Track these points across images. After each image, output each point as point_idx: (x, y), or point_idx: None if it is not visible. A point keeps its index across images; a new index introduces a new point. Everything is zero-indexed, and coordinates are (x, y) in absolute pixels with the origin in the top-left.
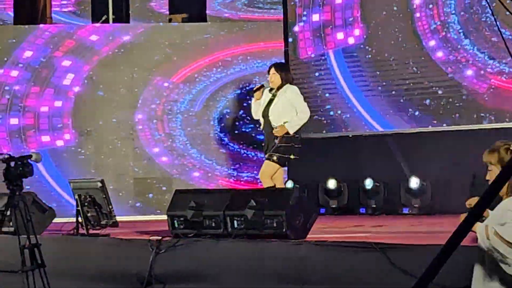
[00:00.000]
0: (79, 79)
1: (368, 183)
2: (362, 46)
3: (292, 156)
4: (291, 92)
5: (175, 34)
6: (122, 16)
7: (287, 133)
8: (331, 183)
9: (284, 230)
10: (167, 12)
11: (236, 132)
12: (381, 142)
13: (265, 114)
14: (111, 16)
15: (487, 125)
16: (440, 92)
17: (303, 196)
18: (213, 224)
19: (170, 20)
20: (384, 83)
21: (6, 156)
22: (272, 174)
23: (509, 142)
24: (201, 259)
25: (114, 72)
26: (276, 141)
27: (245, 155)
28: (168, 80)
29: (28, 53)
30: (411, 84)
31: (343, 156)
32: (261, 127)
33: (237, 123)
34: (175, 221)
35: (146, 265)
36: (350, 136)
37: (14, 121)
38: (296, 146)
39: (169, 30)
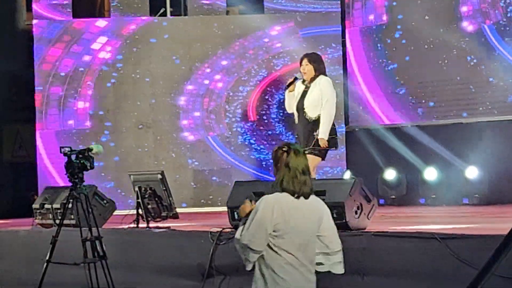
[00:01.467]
0: None
1: (428, 173)
2: None
3: (334, 148)
4: (324, 83)
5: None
6: (180, 10)
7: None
8: (390, 174)
9: (344, 220)
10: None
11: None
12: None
13: (300, 106)
14: (168, 9)
15: None
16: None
17: (362, 187)
18: None
19: (227, 13)
20: None
21: (67, 150)
22: (314, 167)
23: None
24: None
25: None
26: (315, 133)
27: None
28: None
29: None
30: None
31: (401, 147)
32: (296, 120)
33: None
34: (235, 213)
35: (206, 257)
36: (410, 125)
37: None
38: (336, 137)
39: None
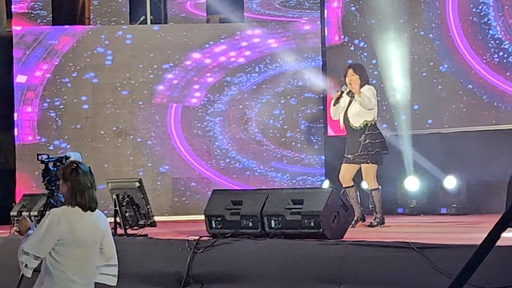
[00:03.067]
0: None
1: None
2: None
3: (380, 151)
4: (366, 92)
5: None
6: (160, 18)
7: (372, 129)
8: (410, 182)
9: (321, 230)
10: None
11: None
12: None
13: (345, 117)
14: (149, 17)
15: None
16: None
17: (339, 196)
18: (251, 224)
19: (208, 21)
20: None
21: (44, 157)
22: (351, 175)
23: None
24: (239, 259)
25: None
26: (361, 139)
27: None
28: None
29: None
30: None
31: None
32: (345, 130)
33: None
34: (213, 221)
35: (184, 265)
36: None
37: None
38: (381, 140)
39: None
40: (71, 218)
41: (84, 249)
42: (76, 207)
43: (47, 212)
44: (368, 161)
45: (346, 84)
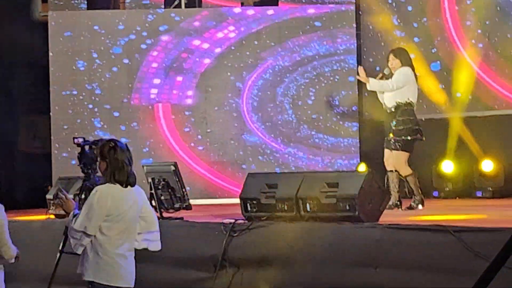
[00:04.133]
0: None
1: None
2: None
3: (409, 138)
4: (395, 74)
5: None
6: (194, 1)
7: (401, 114)
8: (445, 166)
9: (356, 213)
10: None
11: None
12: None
13: (383, 97)
14: (183, 1)
15: None
16: None
17: (375, 180)
18: (286, 207)
19: (242, 4)
20: None
21: (80, 140)
22: (404, 162)
23: None
24: (274, 243)
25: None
26: (392, 124)
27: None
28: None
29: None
30: None
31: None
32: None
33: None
34: (248, 205)
35: (220, 248)
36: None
37: None
38: (414, 127)
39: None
40: (115, 194)
41: (127, 223)
42: (117, 184)
43: (93, 190)
44: (396, 148)
45: (389, 68)
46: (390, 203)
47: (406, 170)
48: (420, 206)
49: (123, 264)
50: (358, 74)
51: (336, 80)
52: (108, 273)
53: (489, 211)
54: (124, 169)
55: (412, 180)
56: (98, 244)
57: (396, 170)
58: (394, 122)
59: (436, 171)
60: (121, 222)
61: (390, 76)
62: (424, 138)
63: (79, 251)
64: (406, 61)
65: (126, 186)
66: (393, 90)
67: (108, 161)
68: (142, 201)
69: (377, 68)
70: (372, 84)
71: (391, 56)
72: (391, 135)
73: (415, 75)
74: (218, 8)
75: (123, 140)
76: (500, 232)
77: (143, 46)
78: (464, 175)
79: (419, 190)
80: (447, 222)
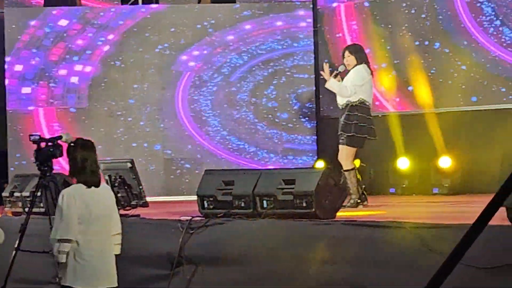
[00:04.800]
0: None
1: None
2: None
3: (359, 135)
4: (352, 71)
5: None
6: None
7: (350, 110)
8: (402, 163)
9: (313, 210)
10: None
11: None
12: None
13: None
14: None
15: None
16: None
17: (332, 176)
18: (243, 204)
19: (199, 1)
20: None
21: (37, 137)
22: (347, 157)
23: None
24: (231, 239)
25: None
26: (341, 119)
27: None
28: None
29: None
30: None
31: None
32: None
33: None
34: (205, 202)
35: (176, 246)
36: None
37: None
38: (361, 124)
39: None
40: (82, 195)
41: (100, 223)
42: (81, 184)
43: (60, 194)
44: (342, 143)
45: (344, 65)
46: (352, 201)
47: (346, 164)
48: (355, 208)
49: (101, 266)
50: (323, 69)
51: (293, 77)
52: (87, 278)
53: (444, 208)
54: (86, 168)
55: (348, 176)
56: (74, 248)
57: (353, 168)
58: (342, 118)
59: (392, 167)
60: (94, 223)
61: (346, 73)
62: (376, 137)
63: (63, 259)
64: (361, 58)
65: (90, 186)
66: (351, 95)
67: (70, 160)
68: (111, 200)
69: (331, 68)
70: (332, 84)
71: (347, 53)
72: (339, 130)
73: (371, 71)
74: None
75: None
76: (455, 228)
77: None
78: (421, 171)
79: (357, 188)
80: (402, 219)
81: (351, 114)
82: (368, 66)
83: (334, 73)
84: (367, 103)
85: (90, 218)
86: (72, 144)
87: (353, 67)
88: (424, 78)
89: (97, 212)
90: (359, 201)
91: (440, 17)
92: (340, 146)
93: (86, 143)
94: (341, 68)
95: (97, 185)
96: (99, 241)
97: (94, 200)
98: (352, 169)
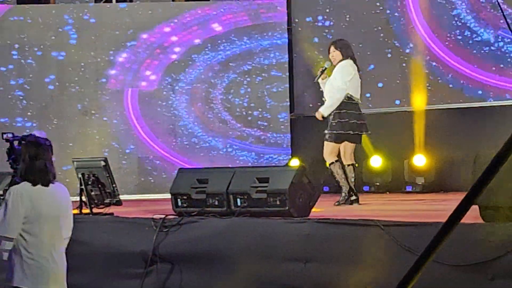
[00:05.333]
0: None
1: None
2: None
3: (343, 132)
4: (337, 67)
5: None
6: None
7: (339, 108)
8: (374, 161)
9: (287, 208)
10: None
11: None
12: None
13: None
14: None
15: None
16: None
17: (306, 174)
18: (217, 203)
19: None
20: None
21: (10, 136)
22: (331, 153)
23: None
24: (205, 238)
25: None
26: (330, 117)
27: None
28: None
29: None
30: None
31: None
32: None
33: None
34: (179, 200)
35: (150, 244)
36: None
37: None
38: (351, 121)
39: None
40: (31, 193)
41: (50, 223)
42: (29, 183)
43: (7, 191)
44: (328, 139)
45: (330, 60)
46: (346, 197)
47: (328, 159)
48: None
49: (50, 267)
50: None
51: (267, 75)
52: (36, 278)
53: (417, 206)
54: (35, 166)
55: (339, 171)
56: (23, 248)
57: (337, 160)
58: (331, 116)
59: (366, 166)
60: (43, 222)
61: (331, 68)
62: (369, 132)
63: (5, 257)
64: (347, 53)
65: (35, 185)
66: (341, 98)
67: (22, 159)
68: (66, 201)
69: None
70: (325, 110)
71: (332, 48)
72: (327, 129)
73: (357, 66)
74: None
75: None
76: (428, 226)
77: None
78: (393, 169)
79: (348, 183)
80: (376, 217)
81: (340, 113)
82: (355, 61)
83: (320, 70)
84: (355, 98)
85: (39, 218)
86: (23, 142)
87: (338, 62)
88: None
89: (46, 212)
90: (353, 198)
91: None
92: (325, 143)
93: (37, 140)
94: (327, 65)
95: (46, 184)
96: (49, 241)
97: (43, 199)
98: (351, 164)
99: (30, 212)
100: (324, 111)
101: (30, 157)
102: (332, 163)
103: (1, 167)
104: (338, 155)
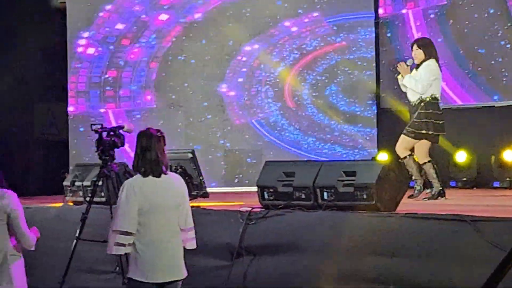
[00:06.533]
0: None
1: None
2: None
3: (424, 132)
4: (423, 66)
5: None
6: None
7: (425, 108)
8: (461, 156)
9: (374, 202)
10: None
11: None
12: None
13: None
14: None
15: None
16: None
17: (393, 169)
18: (303, 196)
19: None
20: None
21: (98, 127)
22: (406, 147)
23: None
24: (291, 231)
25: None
26: (414, 115)
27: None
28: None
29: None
30: None
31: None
32: None
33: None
34: (265, 193)
35: (236, 236)
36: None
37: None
38: (435, 121)
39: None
40: (143, 186)
41: (163, 215)
42: (140, 175)
43: (120, 186)
44: (407, 135)
45: (412, 58)
46: (433, 192)
47: (403, 154)
48: (442, 199)
49: (164, 258)
50: (397, 66)
51: (355, 71)
52: (148, 269)
53: (505, 201)
54: (146, 157)
55: (424, 169)
56: (136, 239)
57: (410, 155)
58: (415, 115)
59: (452, 161)
60: (156, 214)
61: (415, 67)
62: (445, 132)
63: (122, 252)
64: (430, 53)
65: (146, 176)
66: (424, 92)
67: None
68: (180, 191)
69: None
70: (408, 80)
71: (415, 47)
72: (409, 126)
73: (440, 66)
74: None
75: None
76: None
77: None
78: (480, 165)
79: (434, 180)
80: (464, 212)
81: (424, 112)
82: (437, 61)
83: (403, 67)
84: (438, 99)
85: (151, 209)
86: (139, 135)
87: (422, 62)
88: None
89: (158, 203)
90: (441, 190)
91: None
92: (403, 136)
93: (151, 131)
94: (409, 62)
95: (158, 175)
96: (161, 232)
97: (154, 190)
98: (428, 162)
99: (143, 204)
100: (405, 80)
101: (142, 148)
102: (406, 157)
103: (91, 159)
104: (411, 149)
